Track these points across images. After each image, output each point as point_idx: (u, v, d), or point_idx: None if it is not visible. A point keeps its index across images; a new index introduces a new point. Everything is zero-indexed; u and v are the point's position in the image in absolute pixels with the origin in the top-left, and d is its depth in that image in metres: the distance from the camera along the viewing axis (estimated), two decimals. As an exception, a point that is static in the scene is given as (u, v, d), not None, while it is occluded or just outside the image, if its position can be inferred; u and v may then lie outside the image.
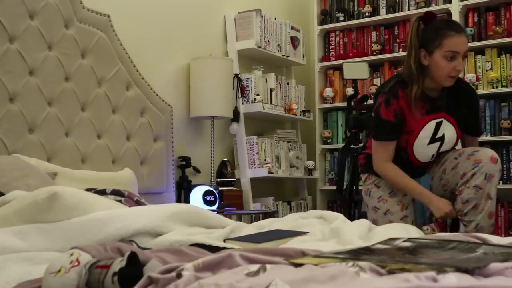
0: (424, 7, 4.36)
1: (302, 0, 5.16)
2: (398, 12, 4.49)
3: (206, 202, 3.48)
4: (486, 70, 4.14)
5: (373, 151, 2.70)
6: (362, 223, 1.91)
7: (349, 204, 3.83)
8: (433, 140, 2.60)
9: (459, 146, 2.83)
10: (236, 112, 3.97)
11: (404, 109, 2.56)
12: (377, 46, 4.55)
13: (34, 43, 2.75)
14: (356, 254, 1.19)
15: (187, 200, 3.54)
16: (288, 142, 4.44)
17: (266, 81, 4.29)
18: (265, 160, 4.10)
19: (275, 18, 4.35)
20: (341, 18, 4.73)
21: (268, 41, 4.26)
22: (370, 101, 4.30)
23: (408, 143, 2.62)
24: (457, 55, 2.47)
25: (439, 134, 2.59)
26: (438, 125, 2.58)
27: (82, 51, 3.00)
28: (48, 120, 2.80)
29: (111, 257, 1.14)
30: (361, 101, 3.91)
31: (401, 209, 2.70)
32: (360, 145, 3.91)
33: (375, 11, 4.61)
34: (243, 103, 4.07)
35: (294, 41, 4.55)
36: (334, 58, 4.75)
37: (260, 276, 0.99)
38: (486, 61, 4.14)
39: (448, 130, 2.61)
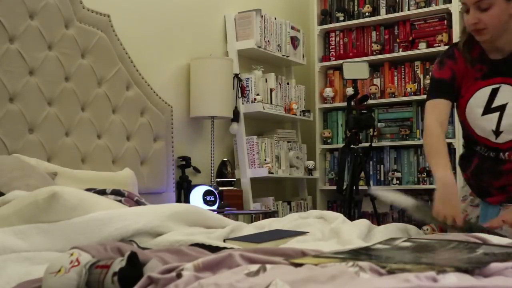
0: (424, 7, 4.36)
1: (302, 0, 5.16)
2: (398, 12, 4.49)
3: (206, 202, 3.48)
4: (486, 70, 4.13)
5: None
6: (362, 223, 1.91)
7: (349, 204, 3.84)
8: (488, 110, 2.09)
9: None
10: (236, 112, 3.97)
11: (461, 70, 2.14)
12: (377, 46, 4.55)
13: (34, 43, 2.75)
14: (356, 254, 1.19)
15: (187, 200, 3.54)
16: (288, 142, 4.44)
17: (266, 81, 4.29)
18: (265, 160, 4.10)
19: (275, 18, 4.35)
20: (341, 18, 4.72)
21: (268, 41, 4.26)
22: (370, 101, 4.31)
23: (460, 109, 2.19)
24: (470, 7, 2.03)
25: (497, 103, 2.08)
26: (495, 92, 2.09)
27: (82, 51, 3.00)
28: (48, 120, 2.80)
29: (111, 257, 1.14)
30: (361, 101, 3.91)
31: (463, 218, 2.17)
32: (360, 145, 3.92)
33: (375, 11, 4.61)
34: (243, 103, 4.07)
35: (294, 41, 4.55)
36: (334, 58, 4.75)
37: (260, 276, 0.99)
38: (486, 61, 4.14)
39: None
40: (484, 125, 2.11)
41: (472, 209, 2.23)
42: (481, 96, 2.10)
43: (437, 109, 2.16)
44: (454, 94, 2.15)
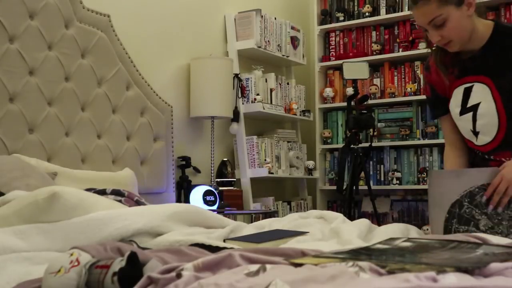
0: (424, 7, 4.35)
1: (302, 0, 5.16)
2: (398, 12, 4.49)
3: (206, 202, 3.48)
4: (486, 70, 4.13)
5: None
6: (362, 223, 1.91)
7: (349, 204, 3.84)
8: (464, 110, 2.08)
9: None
10: (236, 112, 3.97)
11: (435, 79, 2.17)
12: (377, 46, 4.55)
13: (34, 43, 2.75)
14: (356, 254, 1.19)
15: (187, 200, 3.54)
16: (288, 142, 4.44)
17: (266, 81, 4.29)
18: (265, 160, 4.10)
19: (275, 18, 4.35)
20: (341, 18, 4.72)
21: (268, 41, 4.26)
22: (370, 101, 4.31)
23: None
24: (426, 27, 2.01)
25: (472, 102, 2.05)
26: (468, 91, 2.06)
27: (82, 51, 3.00)
28: (48, 120, 2.80)
29: (111, 257, 1.14)
30: (361, 101, 3.91)
31: None
32: (360, 145, 3.92)
33: (375, 11, 4.61)
34: (243, 103, 4.07)
35: (294, 41, 4.55)
36: (334, 58, 4.75)
37: (260, 276, 0.99)
38: (486, 61, 4.14)
39: (485, 98, 2.03)
40: (463, 125, 2.11)
41: None
42: (456, 96, 2.09)
43: (444, 130, 2.23)
44: (444, 104, 2.16)
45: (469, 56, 2.06)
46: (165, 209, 1.74)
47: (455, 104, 2.11)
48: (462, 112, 2.09)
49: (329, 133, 4.70)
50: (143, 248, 1.42)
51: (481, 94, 2.04)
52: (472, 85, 2.06)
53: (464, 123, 2.10)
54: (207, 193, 3.51)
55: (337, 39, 4.77)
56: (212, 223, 1.84)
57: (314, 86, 4.84)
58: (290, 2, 5.00)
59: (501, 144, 2.04)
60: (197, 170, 3.75)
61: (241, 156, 4.04)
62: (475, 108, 2.05)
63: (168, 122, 3.50)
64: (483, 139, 2.07)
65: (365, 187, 3.98)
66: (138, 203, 2.27)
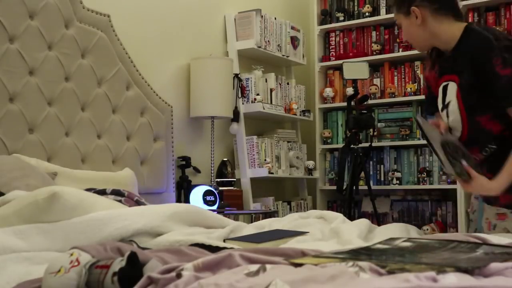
0: (424, 7, 4.35)
1: (302, 0, 5.16)
2: (398, 12, 4.48)
3: (206, 202, 3.48)
4: (486, 70, 4.13)
5: None
6: (362, 223, 1.91)
7: (349, 204, 3.84)
8: (443, 106, 2.17)
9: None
10: (236, 112, 3.97)
11: (427, 75, 2.26)
12: (377, 46, 4.55)
13: (34, 43, 2.75)
14: (356, 254, 1.19)
15: (187, 200, 3.54)
16: (288, 142, 4.44)
17: (266, 81, 4.29)
18: (265, 160, 4.10)
19: (275, 18, 4.35)
20: (341, 18, 4.72)
21: (268, 41, 4.26)
22: (370, 101, 4.31)
23: None
24: None
25: (447, 100, 2.15)
26: (445, 89, 2.16)
27: (82, 51, 3.00)
28: (48, 120, 2.80)
29: (111, 257, 1.14)
30: (361, 101, 3.91)
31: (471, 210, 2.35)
32: (360, 145, 3.92)
33: (375, 11, 4.60)
34: (243, 103, 4.07)
35: (294, 41, 4.55)
36: (334, 58, 4.75)
37: (260, 276, 0.99)
38: (486, 61, 4.13)
39: (453, 96, 2.12)
40: (444, 120, 2.20)
41: (475, 201, 2.31)
42: (439, 94, 2.20)
43: None
44: (436, 102, 2.24)
45: (446, 56, 2.19)
46: (165, 209, 1.74)
47: (439, 101, 2.21)
48: (442, 109, 2.20)
49: (329, 133, 4.70)
50: (143, 248, 1.42)
51: (451, 92, 2.15)
52: (448, 84, 2.17)
53: (444, 119, 2.20)
54: (207, 193, 3.51)
55: (337, 39, 4.77)
56: (212, 223, 1.84)
57: (314, 86, 4.84)
58: (290, 2, 5.00)
59: (466, 140, 2.12)
60: (197, 170, 3.75)
61: (241, 156, 4.04)
62: (448, 105, 2.17)
63: (168, 122, 3.50)
64: (456, 134, 2.16)
65: (365, 187, 3.98)
66: (138, 203, 2.27)
